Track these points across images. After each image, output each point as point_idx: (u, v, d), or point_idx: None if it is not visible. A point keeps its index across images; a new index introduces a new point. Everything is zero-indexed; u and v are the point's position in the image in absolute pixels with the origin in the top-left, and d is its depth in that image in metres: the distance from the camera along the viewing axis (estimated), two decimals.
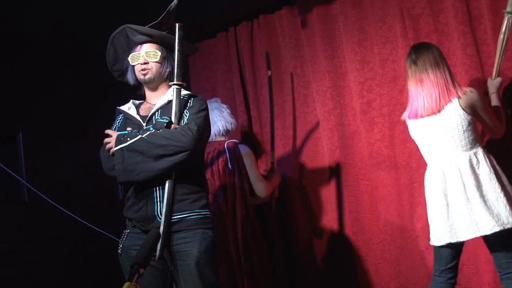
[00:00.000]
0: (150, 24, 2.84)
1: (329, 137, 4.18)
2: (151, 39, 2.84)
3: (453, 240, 2.96)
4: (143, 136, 2.64)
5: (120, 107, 2.93)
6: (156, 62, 2.82)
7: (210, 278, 2.67)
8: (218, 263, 2.84)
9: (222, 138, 3.99)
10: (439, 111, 3.02)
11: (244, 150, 3.96)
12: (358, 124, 4.06)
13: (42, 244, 4.24)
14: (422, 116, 3.09)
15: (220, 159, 3.90)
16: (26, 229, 4.17)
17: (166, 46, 2.86)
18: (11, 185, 4.15)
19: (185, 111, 2.77)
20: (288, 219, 4.42)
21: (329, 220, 4.21)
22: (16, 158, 4.22)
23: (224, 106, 4.05)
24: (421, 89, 3.06)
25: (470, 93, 3.02)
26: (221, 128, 3.96)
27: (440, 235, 3.01)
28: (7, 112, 4.18)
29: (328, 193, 4.22)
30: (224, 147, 3.89)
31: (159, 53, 2.82)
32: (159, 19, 2.84)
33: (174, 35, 2.82)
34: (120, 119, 2.91)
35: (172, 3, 2.84)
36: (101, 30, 3.04)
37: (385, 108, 3.90)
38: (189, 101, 2.81)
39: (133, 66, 2.86)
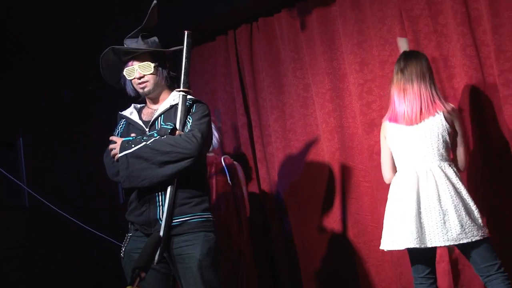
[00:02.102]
0: (136, 29, 2.84)
1: (329, 139, 4.18)
2: (139, 54, 2.84)
3: (419, 246, 2.93)
4: (148, 142, 2.65)
5: (122, 112, 2.93)
6: (151, 74, 2.82)
7: (213, 280, 2.67)
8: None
9: (210, 154, 4.01)
10: (419, 122, 3.03)
11: (240, 172, 4.15)
12: (358, 126, 4.07)
13: (43, 249, 4.24)
14: (400, 123, 3.09)
15: (219, 175, 3.96)
16: (27, 234, 4.18)
17: (156, 55, 2.87)
18: (12, 190, 4.15)
19: (188, 117, 2.78)
20: (288, 221, 4.43)
21: (329, 222, 4.21)
22: (16, 163, 4.23)
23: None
24: (403, 98, 3.07)
25: (456, 111, 3.06)
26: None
27: (403, 239, 2.97)
28: (7, 117, 4.19)
29: (328, 195, 4.22)
30: (222, 162, 3.97)
31: (152, 64, 2.83)
32: (144, 22, 2.85)
33: (162, 36, 2.84)
34: (122, 125, 2.91)
35: (153, 3, 2.85)
36: (101, 33, 3.05)
37: (384, 110, 3.88)
38: (192, 107, 2.81)
39: (130, 80, 2.87)
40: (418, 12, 3.77)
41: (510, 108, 3.44)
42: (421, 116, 3.02)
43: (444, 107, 3.02)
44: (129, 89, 2.93)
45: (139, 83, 2.83)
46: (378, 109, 3.94)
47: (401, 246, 3.00)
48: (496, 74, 3.43)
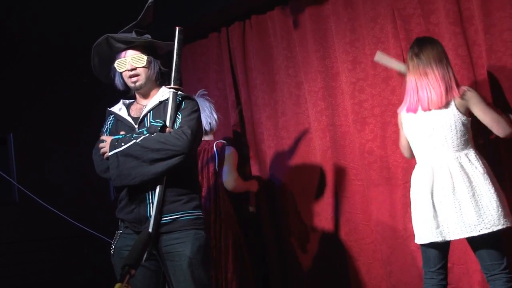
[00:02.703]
0: (130, 25, 2.83)
1: (321, 137, 4.18)
2: (134, 45, 2.83)
3: (439, 239, 2.96)
4: (138, 140, 2.64)
5: (110, 109, 2.92)
6: (143, 67, 2.81)
7: (203, 278, 2.67)
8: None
9: (208, 138, 4.02)
10: (443, 105, 2.99)
11: (228, 150, 4.06)
12: (350, 125, 4.07)
13: (33, 245, 4.23)
14: (426, 110, 3.04)
15: (210, 162, 3.95)
16: (17, 231, 4.16)
17: (149, 50, 2.86)
18: (2, 186, 4.14)
19: (177, 113, 2.77)
20: (281, 219, 4.43)
21: (321, 220, 4.22)
22: (7, 159, 4.21)
23: (207, 104, 4.06)
24: (427, 82, 3.01)
25: (468, 93, 3.00)
26: (205, 127, 3.96)
27: (425, 233, 3.01)
28: None
29: (320, 193, 4.23)
30: (213, 148, 3.93)
31: (145, 57, 2.81)
32: (138, 19, 2.84)
33: (154, 34, 2.84)
34: (111, 121, 2.90)
35: (149, 1, 2.84)
36: (94, 31, 3.03)
37: (377, 109, 3.91)
38: (181, 103, 2.81)
39: (121, 72, 2.85)
40: (411, 11, 3.78)
41: (501, 108, 3.46)
42: (446, 99, 2.97)
43: (458, 92, 2.98)
44: (118, 82, 2.90)
45: (131, 76, 2.80)
46: (370, 107, 3.95)
47: (425, 240, 3.01)
48: (487, 74, 3.44)
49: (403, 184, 3.78)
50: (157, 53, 2.89)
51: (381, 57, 3.62)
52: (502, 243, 2.95)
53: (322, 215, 4.22)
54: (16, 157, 4.24)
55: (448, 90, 2.99)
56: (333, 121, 4.15)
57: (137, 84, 2.82)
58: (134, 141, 2.64)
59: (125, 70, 2.82)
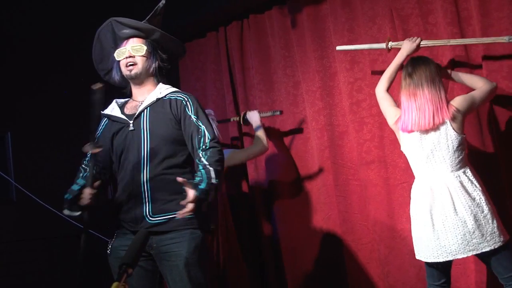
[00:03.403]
0: (134, 20, 2.82)
1: (319, 137, 4.18)
2: (138, 33, 2.81)
3: (443, 260, 2.97)
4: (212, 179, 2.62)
5: (103, 112, 2.89)
6: (142, 56, 2.79)
7: (199, 278, 2.66)
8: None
9: None
10: (431, 128, 3.02)
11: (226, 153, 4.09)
12: (348, 124, 4.07)
13: (30, 244, 4.22)
14: (412, 131, 3.08)
15: None
16: (14, 229, 4.16)
17: (152, 41, 2.85)
18: (0, 185, 4.13)
19: (188, 113, 2.76)
20: (277, 219, 4.43)
21: (318, 220, 4.22)
22: (4, 157, 4.21)
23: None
24: (414, 104, 3.05)
25: (457, 107, 3.03)
26: None
27: (427, 254, 3.02)
28: None
29: (317, 193, 4.23)
30: None
31: (145, 48, 2.80)
32: (146, 18, 2.83)
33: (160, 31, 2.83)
34: (104, 123, 2.89)
35: (160, 3, 2.83)
36: (89, 29, 3.03)
37: (374, 108, 3.90)
38: (187, 102, 2.79)
39: (119, 62, 2.83)
40: (409, 11, 3.79)
41: (498, 108, 3.47)
42: (433, 121, 2.99)
43: (448, 114, 2.99)
44: (114, 73, 2.88)
45: (128, 64, 2.78)
46: (368, 107, 3.95)
47: (427, 260, 3.04)
48: (485, 74, 3.45)
49: (400, 184, 3.79)
50: (158, 46, 2.86)
51: (342, 47, 3.79)
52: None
53: (320, 215, 4.22)
54: (14, 155, 4.24)
55: (438, 111, 3.00)
56: (331, 121, 4.15)
57: (133, 72, 2.79)
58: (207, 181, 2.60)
59: (124, 58, 2.80)
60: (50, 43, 4.47)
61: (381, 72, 3.85)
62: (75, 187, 2.75)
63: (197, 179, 2.57)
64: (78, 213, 2.71)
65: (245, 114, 4.36)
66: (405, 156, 3.25)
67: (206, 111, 4.09)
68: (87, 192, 2.65)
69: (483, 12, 3.47)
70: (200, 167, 2.61)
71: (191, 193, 2.49)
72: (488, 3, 3.46)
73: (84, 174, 2.79)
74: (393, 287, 3.82)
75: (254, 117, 4.26)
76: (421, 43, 3.44)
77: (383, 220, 3.87)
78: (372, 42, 3.91)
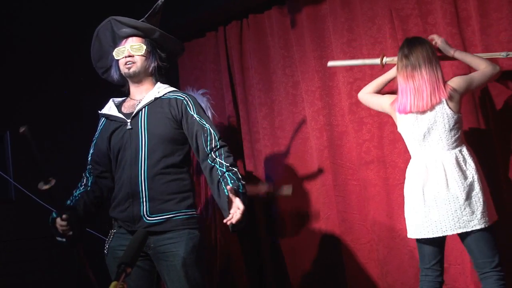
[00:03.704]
0: (134, 19, 2.82)
1: (318, 137, 4.18)
2: (137, 33, 2.81)
3: (433, 235, 2.98)
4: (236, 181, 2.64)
5: (101, 111, 2.90)
6: (141, 55, 2.80)
7: (197, 278, 2.66)
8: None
9: None
10: (428, 109, 3.03)
11: None
12: (347, 124, 4.07)
13: (30, 243, 4.22)
14: (411, 112, 3.09)
15: None
16: (13, 228, 4.16)
17: (152, 41, 2.85)
18: None
19: (190, 113, 2.76)
20: (276, 219, 4.43)
21: (317, 220, 4.22)
22: (3, 157, 4.20)
23: (204, 100, 4.07)
24: (412, 85, 3.05)
25: (454, 86, 3.04)
26: None
27: (417, 229, 3.04)
28: None
29: (316, 193, 4.23)
30: None
31: (144, 47, 2.80)
32: (145, 17, 2.83)
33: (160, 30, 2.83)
34: (101, 124, 2.89)
35: (159, 1, 2.83)
36: (88, 29, 3.03)
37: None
38: (187, 102, 2.79)
39: (118, 60, 2.83)
40: (408, 12, 3.79)
41: (496, 107, 3.47)
42: (430, 101, 3.00)
43: (445, 93, 3.00)
44: (113, 72, 2.88)
45: (126, 62, 2.78)
46: (367, 108, 3.92)
47: (417, 236, 3.05)
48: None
49: (400, 184, 3.78)
50: (157, 45, 2.87)
51: (333, 63, 3.79)
52: (493, 240, 2.97)
53: (319, 215, 4.22)
54: (13, 155, 4.23)
55: (434, 91, 3.01)
56: (330, 121, 4.15)
57: (131, 70, 2.79)
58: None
59: (123, 57, 2.80)
60: (50, 42, 4.47)
61: (380, 72, 3.86)
62: (68, 202, 2.82)
63: (231, 182, 2.58)
64: (62, 239, 2.73)
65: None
66: (404, 157, 3.25)
67: (201, 91, 4.12)
68: (58, 223, 2.69)
69: (482, 13, 3.47)
70: (223, 169, 2.64)
71: (238, 201, 2.51)
72: (487, 3, 3.47)
73: (78, 192, 2.86)
74: (392, 287, 3.82)
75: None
76: None
77: (382, 220, 3.88)
78: (371, 43, 3.92)
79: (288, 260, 4.34)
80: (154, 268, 2.73)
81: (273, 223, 4.46)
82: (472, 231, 2.92)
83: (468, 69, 3.52)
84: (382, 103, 3.33)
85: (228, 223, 2.51)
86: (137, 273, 2.67)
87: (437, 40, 3.33)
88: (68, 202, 2.81)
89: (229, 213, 2.51)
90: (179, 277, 2.62)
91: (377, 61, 3.58)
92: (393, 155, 3.84)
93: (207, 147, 2.69)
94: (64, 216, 2.66)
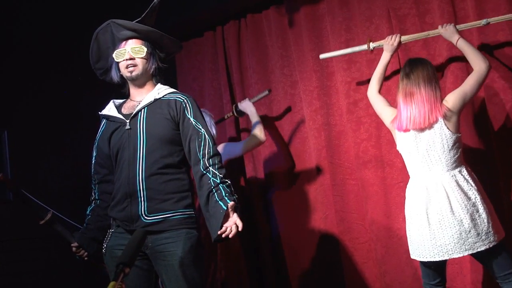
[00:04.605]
0: (133, 22, 2.82)
1: (316, 136, 4.19)
2: (136, 35, 2.81)
3: (439, 259, 2.98)
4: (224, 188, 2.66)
5: (101, 112, 2.90)
6: (142, 58, 2.79)
7: (195, 278, 2.66)
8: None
9: None
10: (426, 127, 3.04)
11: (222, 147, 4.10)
12: (345, 124, 4.08)
13: (28, 243, 4.21)
14: (408, 130, 3.10)
15: None
16: (11, 228, 4.15)
17: (151, 42, 2.85)
18: None
19: (187, 116, 2.76)
20: (275, 219, 4.43)
21: (315, 220, 4.22)
22: (1, 156, 4.19)
23: (207, 117, 4.06)
24: (410, 103, 3.07)
25: (450, 106, 3.04)
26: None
27: (423, 253, 3.03)
28: None
29: (314, 192, 4.24)
30: None
31: (145, 49, 2.79)
32: (142, 16, 2.83)
33: (159, 32, 2.82)
34: (103, 125, 2.89)
35: (155, 1, 2.83)
36: (87, 29, 3.03)
37: (371, 108, 3.87)
38: (186, 104, 2.79)
39: (118, 63, 2.83)
40: (406, 11, 3.79)
41: (494, 108, 3.48)
42: (428, 120, 3.02)
43: (441, 113, 3.01)
44: (113, 74, 2.87)
45: (128, 66, 2.77)
46: (365, 107, 3.96)
47: (423, 259, 3.05)
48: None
49: (397, 184, 3.79)
50: (157, 46, 2.87)
51: (325, 55, 3.85)
52: (507, 252, 2.98)
53: (317, 214, 4.22)
54: (11, 154, 4.22)
55: (432, 110, 3.02)
56: (328, 121, 4.15)
57: (133, 74, 2.78)
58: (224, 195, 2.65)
59: (123, 60, 2.79)
60: (48, 42, 4.46)
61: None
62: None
63: (225, 194, 2.62)
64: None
65: (236, 106, 4.36)
66: (402, 156, 3.25)
67: (203, 111, 4.12)
68: (72, 250, 2.95)
69: (479, 12, 3.49)
70: (217, 180, 2.65)
71: (236, 217, 2.58)
72: (485, 3, 3.48)
73: (89, 209, 2.96)
74: (390, 287, 3.83)
75: (247, 105, 4.23)
76: (402, 39, 3.48)
77: (380, 219, 3.88)
78: None
79: (288, 259, 4.34)
80: (152, 268, 2.72)
81: (272, 223, 4.46)
82: (484, 250, 2.92)
83: (465, 65, 3.53)
84: (384, 115, 3.34)
85: (223, 235, 2.57)
86: (136, 273, 2.67)
87: (447, 26, 3.33)
88: (86, 220, 2.94)
89: (222, 226, 2.58)
90: (177, 276, 2.62)
91: (364, 47, 3.64)
92: (391, 154, 3.84)
93: (199, 152, 2.69)
94: (73, 243, 2.92)
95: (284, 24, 4.41)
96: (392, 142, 3.80)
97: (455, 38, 3.26)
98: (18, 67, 4.31)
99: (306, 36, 4.25)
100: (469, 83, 3.11)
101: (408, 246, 3.65)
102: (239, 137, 4.68)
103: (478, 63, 3.11)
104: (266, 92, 4.29)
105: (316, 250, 4.22)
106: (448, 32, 3.31)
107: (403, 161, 3.30)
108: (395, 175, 3.82)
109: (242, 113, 4.37)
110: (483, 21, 3.31)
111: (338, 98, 4.13)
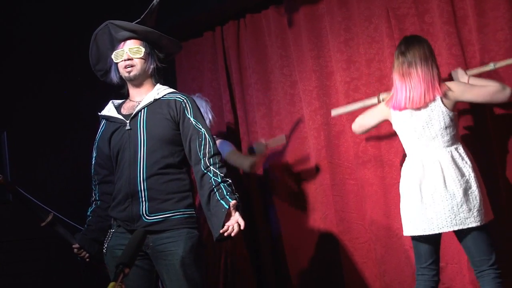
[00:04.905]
0: (133, 23, 2.82)
1: (315, 136, 4.19)
2: (135, 35, 2.81)
3: (429, 232, 2.99)
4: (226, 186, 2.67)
5: (100, 113, 2.90)
6: (140, 58, 2.80)
7: (196, 277, 2.67)
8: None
9: None
10: (423, 106, 3.04)
11: (228, 147, 4.05)
12: (344, 124, 4.08)
13: (28, 244, 4.21)
14: (405, 108, 3.10)
15: None
16: (11, 229, 4.15)
17: (149, 43, 2.85)
18: None
19: (187, 116, 2.77)
20: (274, 218, 4.43)
21: (315, 219, 4.22)
22: (0, 157, 4.19)
23: (203, 103, 4.05)
24: (408, 82, 3.06)
25: (451, 88, 3.04)
26: None
27: (414, 226, 3.05)
28: None
29: (314, 192, 4.24)
30: None
31: (143, 49, 2.80)
32: (141, 17, 2.83)
33: (157, 32, 2.83)
34: (102, 126, 2.89)
35: (154, 1, 2.83)
36: (87, 29, 3.03)
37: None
38: (186, 104, 2.79)
39: (117, 63, 2.83)
40: (405, 11, 3.79)
41: (494, 107, 3.48)
42: (424, 99, 3.02)
43: (440, 91, 3.02)
44: (113, 75, 2.88)
45: (126, 66, 2.78)
46: (364, 107, 3.96)
47: (413, 233, 3.06)
48: (480, 74, 3.46)
49: (397, 183, 3.76)
50: (158, 49, 2.87)
51: (336, 111, 3.80)
52: (490, 238, 2.98)
53: (317, 214, 4.22)
54: (10, 155, 4.22)
55: (428, 89, 3.02)
56: (328, 120, 4.15)
57: (132, 74, 2.79)
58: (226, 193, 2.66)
59: (122, 61, 2.80)
60: (47, 42, 4.46)
61: (378, 71, 3.88)
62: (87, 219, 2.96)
63: (227, 194, 2.62)
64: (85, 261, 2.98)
65: (252, 148, 4.28)
66: (402, 156, 3.26)
67: (198, 95, 4.11)
68: (74, 251, 2.96)
69: (479, 12, 3.49)
70: (218, 179, 2.65)
71: (238, 216, 2.58)
72: (484, 2, 3.48)
73: (90, 210, 2.97)
74: (390, 287, 3.83)
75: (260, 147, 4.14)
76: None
77: (379, 219, 3.88)
78: (368, 42, 3.94)
79: (287, 259, 4.34)
80: (153, 268, 2.73)
81: (272, 223, 4.46)
82: (469, 229, 2.93)
83: (465, 64, 3.53)
84: (377, 110, 3.34)
85: (226, 234, 2.57)
86: (137, 272, 2.67)
87: (457, 69, 3.33)
88: (87, 221, 2.95)
89: (224, 225, 2.57)
90: (178, 276, 2.62)
91: (374, 100, 3.54)
92: (390, 154, 3.84)
93: (200, 152, 2.70)
94: (74, 245, 2.93)
95: (284, 24, 4.41)
96: (391, 142, 3.81)
97: (465, 79, 3.24)
98: (18, 67, 4.31)
99: (306, 36, 4.25)
100: (479, 88, 3.06)
101: (408, 246, 3.67)
102: (237, 125, 4.68)
103: (489, 82, 3.08)
104: (284, 139, 4.23)
105: (316, 250, 4.23)
106: (457, 74, 3.30)
107: (403, 161, 3.30)
108: (394, 174, 3.82)
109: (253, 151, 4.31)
110: (491, 65, 3.27)
111: (338, 98, 4.13)
